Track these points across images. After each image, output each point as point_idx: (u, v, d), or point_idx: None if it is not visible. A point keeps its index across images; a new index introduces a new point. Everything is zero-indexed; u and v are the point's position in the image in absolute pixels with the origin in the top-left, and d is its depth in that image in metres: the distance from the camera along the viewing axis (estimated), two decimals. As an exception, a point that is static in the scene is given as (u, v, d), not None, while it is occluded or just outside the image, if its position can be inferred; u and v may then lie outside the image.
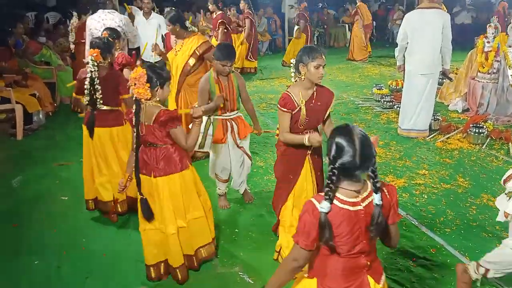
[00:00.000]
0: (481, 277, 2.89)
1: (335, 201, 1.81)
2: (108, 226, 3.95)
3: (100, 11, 5.78)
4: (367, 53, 12.19)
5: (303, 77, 2.97)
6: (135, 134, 2.93)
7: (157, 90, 2.86)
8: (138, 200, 3.02)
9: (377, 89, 8.06)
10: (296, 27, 11.82)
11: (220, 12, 8.97)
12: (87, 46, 5.45)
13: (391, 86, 8.11)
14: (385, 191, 1.89)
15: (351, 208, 1.81)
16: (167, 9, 5.37)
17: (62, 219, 4.08)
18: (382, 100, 7.62)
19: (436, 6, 5.52)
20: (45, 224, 4.00)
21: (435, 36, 5.47)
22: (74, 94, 3.96)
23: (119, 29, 5.23)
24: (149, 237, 3.09)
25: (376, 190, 1.81)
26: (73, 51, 7.28)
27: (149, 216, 3.01)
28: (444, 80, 8.09)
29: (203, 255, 3.29)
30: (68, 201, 4.37)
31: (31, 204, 4.37)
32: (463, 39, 11.96)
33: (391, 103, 7.46)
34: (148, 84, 2.79)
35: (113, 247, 3.63)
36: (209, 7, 9.16)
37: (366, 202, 1.84)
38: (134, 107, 2.88)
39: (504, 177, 2.81)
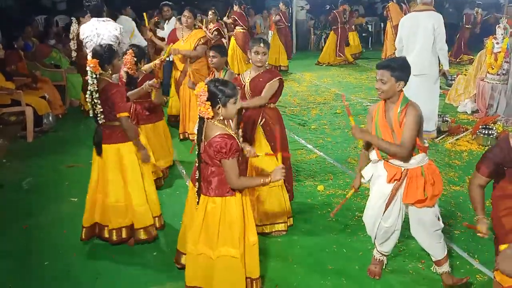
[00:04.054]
0: None
1: None
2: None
3: (94, 19, 5.35)
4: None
5: (251, 61, 3.71)
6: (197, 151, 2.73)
7: (219, 109, 2.59)
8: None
9: (385, 90, 8.01)
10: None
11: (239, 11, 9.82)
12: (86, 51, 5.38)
13: (399, 87, 8.06)
14: None
15: None
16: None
17: (71, 220, 4.09)
18: (390, 101, 7.58)
19: (429, 9, 5.53)
20: (54, 225, 4.04)
21: (426, 37, 5.46)
22: (83, 96, 3.93)
23: (114, 38, 5.15)
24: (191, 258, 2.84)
25: None
26: (73, 59, 7.06)
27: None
28: (452, 82, 8.05)
29: None
30: (78, 202, 4.38)
31: (41, 205, 4.41)
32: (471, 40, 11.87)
33: (399, 105, 7.41)
34: (208, 103, 2.56)
35: (122, 249, 3.65)
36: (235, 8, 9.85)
37: None
38: (197, 123, 2.68)
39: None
